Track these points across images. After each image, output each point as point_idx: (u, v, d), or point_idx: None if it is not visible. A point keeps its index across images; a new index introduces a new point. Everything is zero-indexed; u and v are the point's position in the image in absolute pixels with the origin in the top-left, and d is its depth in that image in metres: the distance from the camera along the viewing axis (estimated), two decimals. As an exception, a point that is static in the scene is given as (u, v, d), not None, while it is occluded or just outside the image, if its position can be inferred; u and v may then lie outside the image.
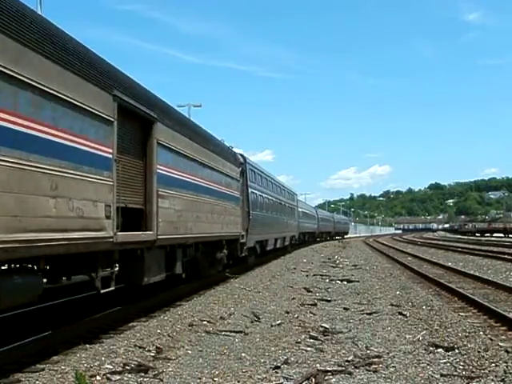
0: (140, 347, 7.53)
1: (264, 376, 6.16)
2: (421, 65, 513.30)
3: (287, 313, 10.50)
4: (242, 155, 20.17)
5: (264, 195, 24.84)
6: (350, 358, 6.90)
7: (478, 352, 7.03)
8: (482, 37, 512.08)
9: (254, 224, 20.44)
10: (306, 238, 49.73)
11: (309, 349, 7.50)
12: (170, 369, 6.49)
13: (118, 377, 6.13)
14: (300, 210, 42.21)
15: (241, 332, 8.68)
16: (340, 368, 6.46)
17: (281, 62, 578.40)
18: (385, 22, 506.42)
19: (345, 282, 16.13)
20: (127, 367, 6.53)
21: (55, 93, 6.24)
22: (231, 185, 16.36)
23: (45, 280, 7.21)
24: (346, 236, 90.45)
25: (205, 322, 9.46)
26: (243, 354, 7.20)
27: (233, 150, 19.10)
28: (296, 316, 10.15)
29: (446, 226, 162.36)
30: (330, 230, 72.68)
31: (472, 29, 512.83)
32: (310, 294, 13.52)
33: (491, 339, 7.84)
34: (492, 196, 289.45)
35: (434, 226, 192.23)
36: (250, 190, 20.58)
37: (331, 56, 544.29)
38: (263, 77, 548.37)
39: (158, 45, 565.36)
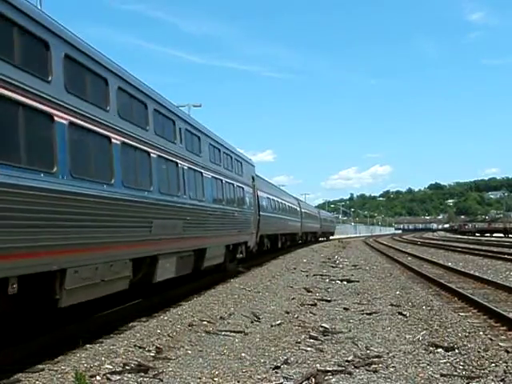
0: (140, 347, 7.54)
1: (264, 376, 6.16)
2: (423, 64, 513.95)
3: (287, 313, 10.51)
4: None
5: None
6: (349, 358, 6.90)
7: (478, 352, 7.03)
8: (485, 37, 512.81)
9: None
10: (283, 241, 32.71)
11: (309, 349, 7.50)
12: (170, 369, 6.49)
13: (117, 377, 6.14)
14: (265, 195, 25.31)
15: (241, 332, 8.68)
16: (340, 368, 6.46)
17: (282, 62, 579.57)
18: (387, 22, 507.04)
19: (345, 282, 16.13)
20: (127, 367, 6.54)
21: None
22: None
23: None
24: (331, 237, 72.23)
25: (205, 322, 9.47)
26: (243, 354, 7.20)
27: None
28: (296, 316, 10.15)
29: (446, 226, 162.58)
30: (316, 229, 56.18)
31: (475, 29, 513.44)
32: (309, 294, 13.52)
33: (491, 339, 7.84)
34: (492, 196, 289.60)
35: (434, 226, 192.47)
36: None
37: (333, 56, 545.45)
38: (265, 77, 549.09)
39: (161, 45, 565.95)
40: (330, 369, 6.41)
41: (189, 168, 12.56)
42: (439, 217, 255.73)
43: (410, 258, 27.77)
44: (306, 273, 19.47)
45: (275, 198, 29.59)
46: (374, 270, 20.42)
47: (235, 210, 17.53)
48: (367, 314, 10.39)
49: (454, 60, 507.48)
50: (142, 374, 6.28)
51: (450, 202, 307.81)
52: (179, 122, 12.33)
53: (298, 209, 41.45)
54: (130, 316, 9.86)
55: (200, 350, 7.52)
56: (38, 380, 5.97)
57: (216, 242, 14.97)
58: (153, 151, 10.31)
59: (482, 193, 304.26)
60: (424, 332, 8.46)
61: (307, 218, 46.73)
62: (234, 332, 8.68)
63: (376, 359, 6.83)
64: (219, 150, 16.19)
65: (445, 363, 6.66)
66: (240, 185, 18.66)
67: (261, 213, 22.94)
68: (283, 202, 33.41)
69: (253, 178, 21.88)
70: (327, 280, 16.92)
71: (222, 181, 15.95)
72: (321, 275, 18.43)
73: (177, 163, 11.75)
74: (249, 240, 19.82)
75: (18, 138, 6.29)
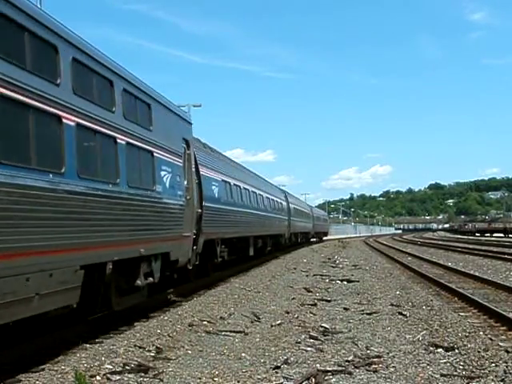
0: (140, 347, 7.53)
1: (264, 376, 6.16)
2: (424, 64, 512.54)
3: (287, 313, 10.51)
4: None
5: None
6: (349, 358, 6.90)
7: (478, 352, 7.03)
8: (487, 37, 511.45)
9: None
10: (260, 246, 24.14)
11: (309, 349, 7.50)
12: (170, 369, 6.49)
13: (117, 377, 6.14)
14: (218, 178, 16.99)
15: (241, 332, 8.68)
16: (340, 368, 6.46)
17: (283, 62, 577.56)
18: (388, 22, 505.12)
19: (345, 282, 16.13)
20: (127, 367, 6.54)
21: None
22: None
23: None
24: (325, 238, 65.15)
25: (205, 322, 9.47)
26: (243, 354, 7.20)
27: None
28: (296, 316, 10.15)
29: (446, 226, 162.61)
30: (309, 229, 48.22)
31: (476, 28, 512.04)
32: (310, 294, 13.52)
33: (491, 339, 7.84)
34: (492, 196, 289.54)
35: (434, 226, 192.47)
36: None
37: (334, 55, 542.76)
38: (266, 77, 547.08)
39: (162, 45, 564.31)
40: (330, 369, 6.41)
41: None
42: (439, 217, 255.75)
43: (410, 258, 27.77)
44: (306, 273, 19.48)
45: (242, 185, 20.75)
46: (374, 270, 20.43)
47: (126, 195, 8.74)
48: (367, 313, 10.39)
49: (455, 60, 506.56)
50: (142, 374, 6.28)
51: (450, 202, 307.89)
52: None
53: (285, 203, 32.82)
54: (130, 316, 9.86)
55: (200, 349, 7.52)
56: (38, 380, 5.97)
57: (33, 266, 6.13)
58: None
59: (482, 193, 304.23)
60: (424, 332, 8.46)
61: (297, 215, 38.15)
62: (234, 332, 8.68)
63: (376, 359, 6.83)
64: (81, 64, 7.59)
65: (445, 363, 6.66)
66: (145, 146, 9.73)
67: (206, 204, 14.57)
68: (258, 191, 24.13)
69: (187, 144, 12.60)
70: (327, 280, 16.92)
71: (71, 127, 7.03)
72: (321, 275, 18.44)
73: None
74: (174, 250, 10.98)
75: None
